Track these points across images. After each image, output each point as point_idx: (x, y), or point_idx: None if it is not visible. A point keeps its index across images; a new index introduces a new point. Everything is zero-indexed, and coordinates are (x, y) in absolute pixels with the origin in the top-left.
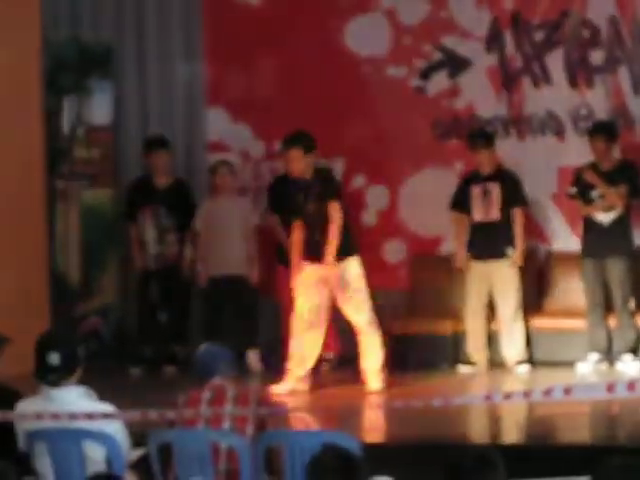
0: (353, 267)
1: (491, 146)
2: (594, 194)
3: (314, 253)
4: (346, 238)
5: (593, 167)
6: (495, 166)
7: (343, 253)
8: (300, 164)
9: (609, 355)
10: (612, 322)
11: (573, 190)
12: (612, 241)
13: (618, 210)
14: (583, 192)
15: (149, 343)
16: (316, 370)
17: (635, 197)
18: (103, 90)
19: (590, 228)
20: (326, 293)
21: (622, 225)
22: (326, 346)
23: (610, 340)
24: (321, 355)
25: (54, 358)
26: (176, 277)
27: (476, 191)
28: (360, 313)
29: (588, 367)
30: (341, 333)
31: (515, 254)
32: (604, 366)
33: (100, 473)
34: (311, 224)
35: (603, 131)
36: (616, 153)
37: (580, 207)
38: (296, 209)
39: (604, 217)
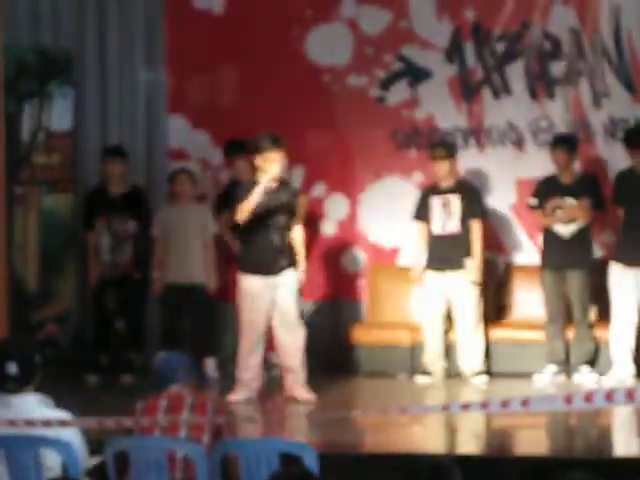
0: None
1: (453, 156)
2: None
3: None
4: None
5: (553, 180)
6: (455, 178)
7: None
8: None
9: (567, 367)
10: (570, 334)
11: (533, 201)
12: (572, 253)
13: (579, 222)
14: (543, 203)
15: (105, 351)
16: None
17: (598, 210)
18: (63, 96)
19: (550, 240)
20: (270, 302)
21: (582, 237)
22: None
23: (568, 352)
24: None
25: (12, 368)
26: (131, 285)
27: (436, 203)
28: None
29: (546, 379)
30: None
31: (472, 268)
32: (562, 378)
33: (55, 479)
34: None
35: (564, 143)
36: (576, 166)
37: (540, 218)
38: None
39: (564, 229)
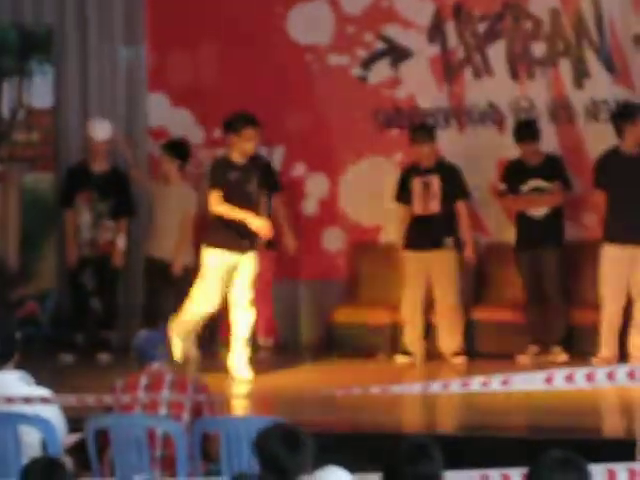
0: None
1: (433, 139)
2: (524, 188)
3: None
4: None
5: (520, 163)
6: (436, 159)
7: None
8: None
9: (547, 347)
10: (546, 314)
11: (503, 187)
12: (545, 234)
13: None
14: (513, 187)
15: (81, 330)
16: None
17: (568, 190)
18: (44, 73)
19: (523, 222)
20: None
21: (554, 217)
22: (264, 332)
23: (547, 332)
24: (257, 342)
25: None
26: (109, 265)
27: (416, 183)
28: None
29: (527, 359)
30: (278, 318)
31: (466, 250)
32: (543, 358)
33: (39, 458)
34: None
35: (528, 137)
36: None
37: (510, 203)
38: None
39: (536, 211)
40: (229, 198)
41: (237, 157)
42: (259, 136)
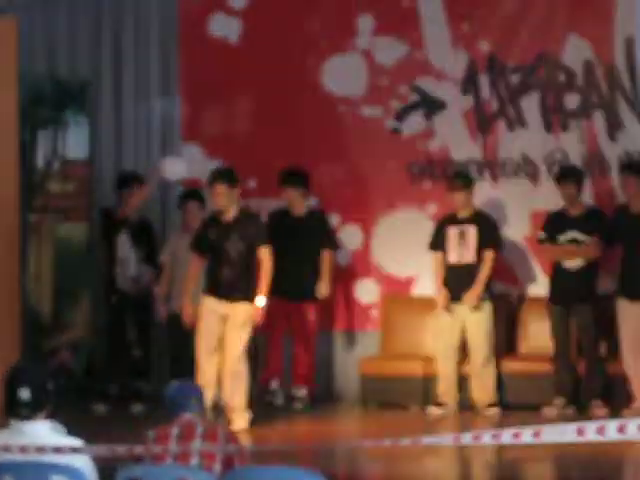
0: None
1: (470, 188)
2: (562, 239)
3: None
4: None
5: (562, 214)
6: (472, 209)
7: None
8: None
9: (576, 400)
10: (581, 368)
11: (543, 235)
12: (579, 287)
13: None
14: (552, 236)
15: (115, 380)
16: (289, 408)
17: (605, 245)
18: (79, 124)
19: (557, 274)
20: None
21: (589, 272)
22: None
23: (578, 385)
24: (292, 392)
25: (24, 393)
26: (149, 308)
27: (452, 233)
28: (238, 351)
29: (554, 411)
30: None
31: (470, 293)
32: (571, 410)
33: None
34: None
35: (572, 176)
36: (585, 198)
37: (549, 252)
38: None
39: (571, 263)
40: (211, 257)
41: (223, 213)
42: (232, 193)
